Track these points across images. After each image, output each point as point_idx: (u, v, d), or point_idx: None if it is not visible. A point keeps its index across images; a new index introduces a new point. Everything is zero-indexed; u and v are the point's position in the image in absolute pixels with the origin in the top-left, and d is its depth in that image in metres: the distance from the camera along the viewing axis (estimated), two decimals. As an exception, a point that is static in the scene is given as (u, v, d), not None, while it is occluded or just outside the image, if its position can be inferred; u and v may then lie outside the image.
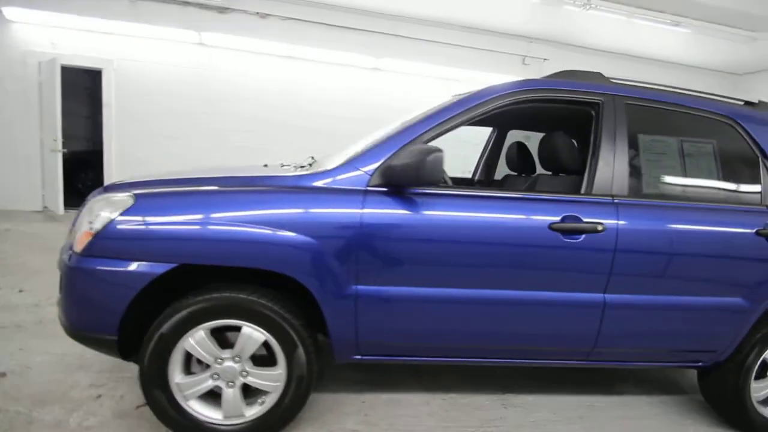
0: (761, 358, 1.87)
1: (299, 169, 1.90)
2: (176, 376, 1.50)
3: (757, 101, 2.04)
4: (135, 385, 1.87)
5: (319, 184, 1.58)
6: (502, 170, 3.17)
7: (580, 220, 1.63)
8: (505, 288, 1.63)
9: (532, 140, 2.56)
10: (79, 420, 1.65)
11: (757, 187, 1.88)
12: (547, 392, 2.17)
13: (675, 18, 4.71)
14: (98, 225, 1.44)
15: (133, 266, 1.43)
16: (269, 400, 1.57)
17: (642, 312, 1.74)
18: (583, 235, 1.63)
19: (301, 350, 1.53)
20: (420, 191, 1.56)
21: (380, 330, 1.61)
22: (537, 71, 6.25)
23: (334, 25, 5.63)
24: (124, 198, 1.48)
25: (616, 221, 1.66)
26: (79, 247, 1.46)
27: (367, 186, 1.55)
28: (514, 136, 3.18)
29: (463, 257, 1.61)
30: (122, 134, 5.51)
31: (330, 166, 1.67)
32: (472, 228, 1.60)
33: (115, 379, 1.95)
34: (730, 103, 1.99)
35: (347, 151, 1.81)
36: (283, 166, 2.28)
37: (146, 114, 5.50)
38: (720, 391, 1.97)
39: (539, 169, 2.52)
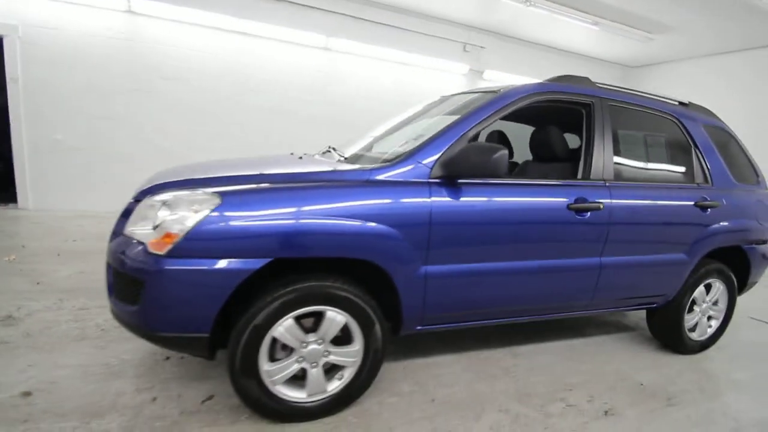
0: (691, 297, 2.53)
1: (327, 158, 2.07)
2: (265, 364, 1.59)
3: (687, 102, 2.64)
4: (184, 382, 1.90)
5: (383, 177, 1.73)
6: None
7: (587, 201, 2.04)
8: (537, 258, 1.98)
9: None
10: (150, 423, 1.64)
11: (691, 169, 2.49)
12: (539, 342, 2.65)
13: (593, 18, 5.47)
14: (185, 225, 1.43)
15: (227, 264, 1.46)
16: (347, 374, 1.74)
17: (623, 269, 2.24)
18: (589, 213, 2.04)
19: (377, 327, 1.71)
20: (471, 181, 1.81)
21: (442, 302, 1.85)
22: (476, 58, 6.77)
23: (285, 0, 5.40)
24: (210, 197, 1.48)
25: (609, 200, 2.10)
26: (161, 249, 1.44)
27: (429, 178, 1.75)
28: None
29: (507, 235, 1.91)
30: (35, 114, 4.72)
31: (388, 159, 1.83)
32: (513, 210, 1.90)
33: (159, 381, 1.92)
34: (671, 103, 2.56)
35: (363, 142, 2.38)
36: (302, 156, 2.35)
37: (66, 90, 4.77)
38: (663, 325, 2.61)
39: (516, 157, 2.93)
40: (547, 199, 1.98)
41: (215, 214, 1.45)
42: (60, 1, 4.59)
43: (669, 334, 2.60)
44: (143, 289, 1.47)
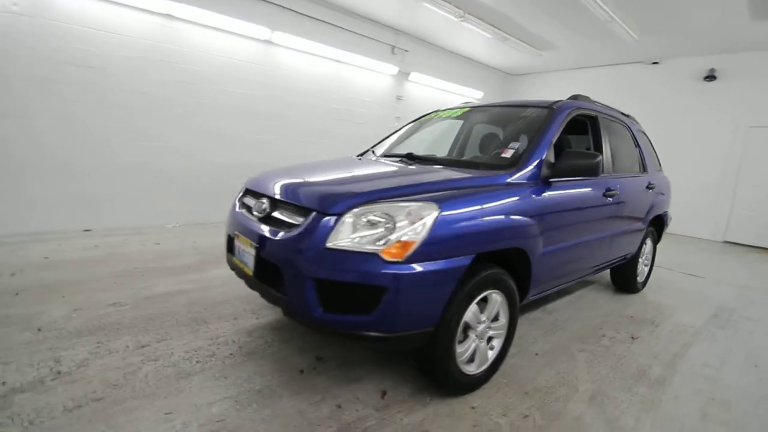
0: (640, 252, 3.60)
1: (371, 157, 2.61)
2: (457, 347, 1.84)
3: (628, 114, 3.68)
4: (344, 386, 2.01)
5: (513, 180, 2.11)
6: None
7: (611, 189, 2.79)
8: (591, 233, 2.65)
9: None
10: (362, 425, 1.72)
11: (638, 162, 3.52)
12: (553, 301, 3.39)
13: (504, 34, 6.58)
14: (420, 232, 1.58)
15: (451, 263, 1.67)
16: (497, 343, 2.10)
17: (621, 236, 3.10)
18: (611, 198, 2.80)
19: (517, 301, 2.12)
20: (559, 180, 2.33)
21: (548, 275, 2.34)
22: (401, 60, 7.31)
23: (229, -13, 4.97)
24: (432, 205, 1.64)
25: (618, 187, 2.90)
26: (399, 256, 1.56)
27: (539, 179, 2.20)
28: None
29: (577, 217, 2.50)
30: None
31: (505, 165, 2.22)
32: (581, 199, 2.51)
33: (322, 390, 1.95)
34: (623, 115, 3.53)
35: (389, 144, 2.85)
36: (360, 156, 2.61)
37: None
38: (624, 275, 3.62)
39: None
40: (594, 190, 2.65)
41: (439, 220, 1.63)
42: None
43: (627, 281, 3.65)
44: (384, 296, 1.55)
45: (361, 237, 1.63)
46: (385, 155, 2.87)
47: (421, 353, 1.81)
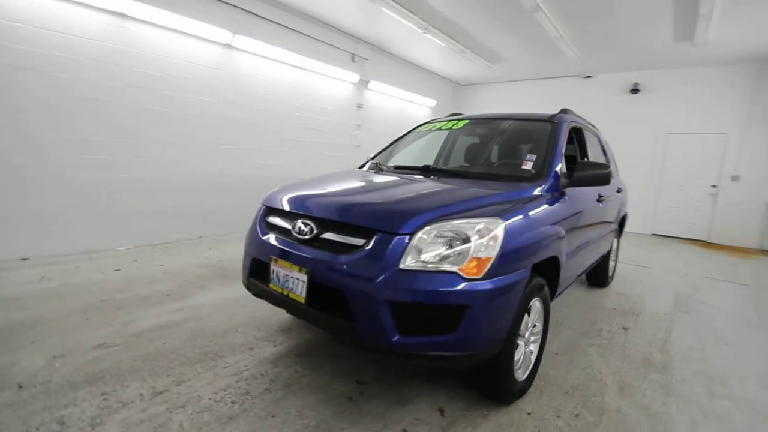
0: (612, 248, 3.97)
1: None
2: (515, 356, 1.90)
3: (593, 124, 4.05)
4: (398, 408, 2.03)
5: (538, 192, 2.22)
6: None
7: (601, 195, 3.05)
8: (592, 235, 2.87)
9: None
10: None
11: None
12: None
13: (457, 44, 6.88)
14: (495, 248, 1.61)
15: (518, 275, 1.71)
16: (535, 348, 2.19)
17: (604, 236, 3.40)
18: (602, 203, 3.06)
19: (549, 306, 2.23)
20: (572, 187, 2.49)
21: (566, 277, 2.49)
22: (361, 68, 7.32)
23: (188, -13, 4.58)
24: (499, 220, 1.67)
25: (605, 192, 3.18)
26: (478, 273, 1.57)
27: (557, 189, 2.34)
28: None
29: (584, 221, 2.68)
30: None
31: (530, 177, 2.32)
32: (586, 204, 2.70)
33: (390, 416, 1.86)
34: (591, 125, 3.88)
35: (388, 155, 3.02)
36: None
37: None
38: (599, 272, 3.96)
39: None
40: (591, 196, 2.87)
41: (506, 235, 1.66)
42: None
43: (601, 277, 4.00)
44: (467, 314, 1.54)
45: (436, 256, 1.60)
46: (399, 167, 2.84)
47: (485, 366, 1.82)
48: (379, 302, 1.57)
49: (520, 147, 2.76)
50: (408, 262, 1.59)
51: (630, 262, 5.41)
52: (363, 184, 2.33)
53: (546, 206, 2.12)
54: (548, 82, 8.86)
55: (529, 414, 1.94)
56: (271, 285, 1.96)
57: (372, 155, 3.36)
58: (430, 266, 1.58)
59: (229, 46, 5.26)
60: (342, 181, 2.43)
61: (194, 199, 5.13)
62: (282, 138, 6.18)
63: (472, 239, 1.61)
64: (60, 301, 2.93)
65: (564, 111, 3.16)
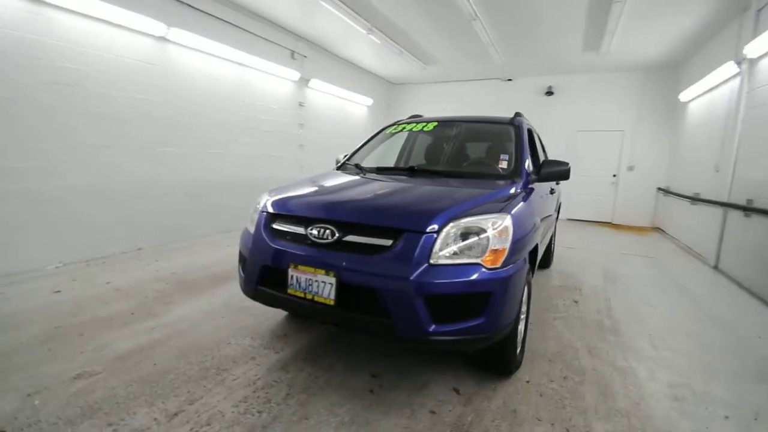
0: (554, 233, 4.53)
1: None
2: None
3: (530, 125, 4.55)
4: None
5: (518, 189, 2.50)
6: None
7: (552, 187, 3.50)
8: (551, 223, 3.27)
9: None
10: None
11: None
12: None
13: (396, 46, 7.13)
14: (508, 240, 1.83)
15: (522, 263, 1.97)
16: (522, 325, 2.46)
17: (553, 223, 3.88)
18: (552, 193, 3.51)
19: (531, 288, 2.55)
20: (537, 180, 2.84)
21: (537, 261, 2.83)
22: (301, 66, 7.21)
23: (115, -28, 4.11)
24: (507, 216, 1.90)
25: (555, 185, 3.65)
26: (497, 263, 1.78)
27: (529, 185, 2.66)
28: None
29: (546, 211, 3.06)
30: None
31: (507, 175, 2.61)
32: (546, 196, 3.09)
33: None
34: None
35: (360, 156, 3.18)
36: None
37: None
38: (546, 254, 4.49)
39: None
40: (547, 188, 3.27)
41: (514, 228, 1.89)
42: None
43: (546, 259, 4.54)
44: (491, 299, 1.73)
45: (460, 250, 1.77)
46: (382, 169, 2.94)
47: (498, 344, 2.03)
48: (415, 296, 1.69)
49: (491, 147, 3.05)
50: (437, 258, 1.74)
51: (559, 244, 6.17)
52: (367, 186, 2.39)
53: (527, 200, 2.41)
54: (474, 83, 9.57)
55: (527, 382, 2.22)
56: (289, 291, 1.96)
57: (343, 156, 3.42)
58: (456, 260, 1.75)
59: (163, 39, 4.84)
60: (341, 185, 2.48)
61: (129, 207, 4.66)
62: (225, 139, 5.87)
63: (489, 233, 1.81)
64: (3, 334, 2.54)
65: (518, 114, 3.53)
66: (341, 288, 1.81)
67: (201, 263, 4.32)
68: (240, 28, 5.80)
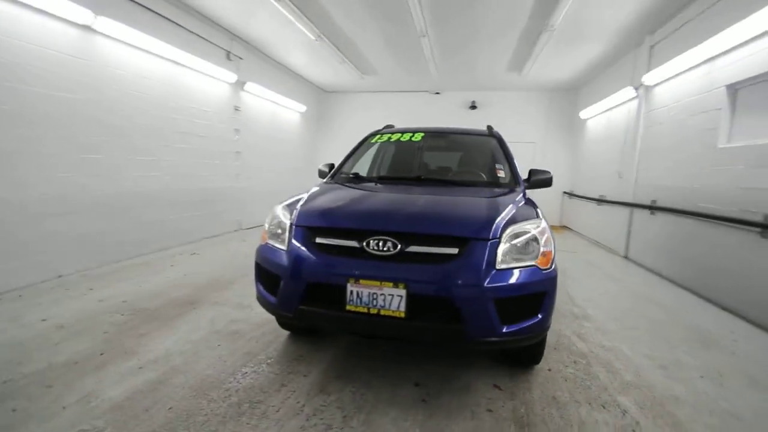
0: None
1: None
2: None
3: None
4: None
5: (524, 195, 2.77)
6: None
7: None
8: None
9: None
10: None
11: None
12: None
13: (340, 54, 7.12)
14: (550, 243, 2.03)
15: (554, 263, 2.16)
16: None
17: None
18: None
19: None
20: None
21: None
22: (237, 68, 6.77)
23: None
24: (544, 221, 2.11)
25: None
26: (547, 265, 1.98)
27: (526, 189, 2.95)
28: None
29: None
30: None
31: (507, 183, 2.86)
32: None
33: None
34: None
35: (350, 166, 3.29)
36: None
37: None
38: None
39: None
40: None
41: (548, 232, 2.09)
42: None
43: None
44: (545, 298, 1.89)
45: (519, 255, 1.90)
46: (383, 178, 2.95)
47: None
48: (488, 301, 1.78)
49: (482, 157, 3.28)
50: (501, 263, 1.85)
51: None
52: (401, 197, 2.40)
53: (535, 206, 2.66)
54: (406, 94, 10.00)
55: (549, 370, 2.45)
56: (348, 307, 1.87)
57: (324, 166, 3.36)
58: (517, 264, 1.88)
59: (89, 28, 4.15)
60: (368, 195, 2.47)
61: (46, 226, 3.86)
62: (157, 144, 5.21)
63: (538, 237, 1.98)
64: (-72, 399, 1.93)
65: (490, 127, 3.84)
66: (411, 299, 1.81)
67: (150, 288, 3.77)
68: (174, 22, 5.23)
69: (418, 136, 3.46)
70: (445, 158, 3.47)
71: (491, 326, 1.79)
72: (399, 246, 1.88)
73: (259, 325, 3.00)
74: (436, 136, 3.50)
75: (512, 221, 2.01)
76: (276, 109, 8.32)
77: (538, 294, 1.90)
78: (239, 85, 6.88)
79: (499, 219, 1.99)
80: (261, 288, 2.24)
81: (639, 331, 3.16)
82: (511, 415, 1.98)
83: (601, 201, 6.97)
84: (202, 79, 5.98)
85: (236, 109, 6.91)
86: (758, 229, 3.25)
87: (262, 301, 2.23)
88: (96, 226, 4.36)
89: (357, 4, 5.10)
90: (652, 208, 5.05)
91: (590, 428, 1.90)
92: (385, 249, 1.89)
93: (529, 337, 1.92)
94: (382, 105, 10.20)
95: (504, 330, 1.82)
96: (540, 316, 1.91)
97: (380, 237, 1.91)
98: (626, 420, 1.98)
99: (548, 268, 1.96)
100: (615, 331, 3.14)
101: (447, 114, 9.70)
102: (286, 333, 2.88)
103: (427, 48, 6.29)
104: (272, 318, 3.12)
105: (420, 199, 2.30)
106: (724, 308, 3.69)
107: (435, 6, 4.96)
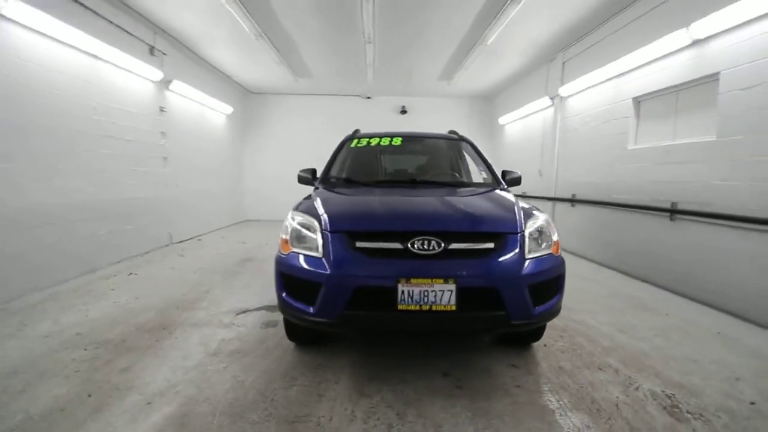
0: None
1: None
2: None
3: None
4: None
5: (505, 190, 3.10)
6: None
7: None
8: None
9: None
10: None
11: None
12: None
13: (278, 55, 6.86)
14: (556, 235, 2.38)
15: (556, 249, 2.51)
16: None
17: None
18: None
19: None
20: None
21: None
22: (161, 64, 6.15)
23: None
24: (546, 215, 2.41)
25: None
26: (558, 251, 2.32)
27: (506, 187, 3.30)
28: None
29: None
30: None
31: (491, 183, 3.17)
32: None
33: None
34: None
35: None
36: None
37: None
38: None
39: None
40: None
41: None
42: None
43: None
44: (560, 281, 2.20)
45: (540, 245, 2.17)
46: (380, 181, 3.03)
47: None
48: (524, 287, 2.00)
49: (463, 160, 3.56)
50: (529, 253, 2.09)
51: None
52: (419, 199, 2.52)
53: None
54: (338, 98, 10.02)
55: (545, 346, 2.80)
56: (400, 307, 1.93)
57: (304, 171, 3.34)
58: (540, 252, 2.15)
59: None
60: (391, 199, 2.56)
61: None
62: (80, 149, 4.51)
63: (548, 229, 2.28)
64: None
65: (455, 132, 4.15)
66: (461, 293, 1.94)
67: (100, 317, 3.27)
68: (92, 10, 4.56)
69: (397, 141, 3.60)
70: (428, 161, 3.67)
71: (527, 309, 2.03)
72: (442, 244, 2.01)
73: (261, 340, 2.85)
74: (414, 141, 3.68)
75: (528, 216, 2.28)
76: (202, 110, 7.70)
77: (556, 278, 2.20)
78: (164, 83, 6.23)
79: (520, 214, 2.24)
80: (289, 299, 2.16)
81: (591, 304, 3.74)
82: (538, 388, 2.24)
83: (524, 197, 7.88)
84: (124, 76, 5.29)
85: (162, 110, 6.24)
86: (667, 214, 4.09)
87: (292, 312, 2.16)
88: (9, 249, 3.61)
89: (306, 8, 5.03)
90: (573, 201, 5.93)
91: (600, 386, 2.26)
92: (430, 248, 1.99)
93: (552, 315, 2.21)
94: (314, 108, 10.08)
95: (536, 312, 2.07)
96: (557, 297, 2.21)
97: (425, 237, 2.01)
98: (621, 377, 2.38)
99: (559, 255, 2.27)
100: (574, 307, 3.66)
101: (378, 118, 9.98)
102: (291, 346, 2.78)
103: (371, 54, 6.45)
104: (270, 333, 2.98)
105: (441, 201, 2.47)
106: (644, 280, 4.54)
107: (384, 13, 5.14)
